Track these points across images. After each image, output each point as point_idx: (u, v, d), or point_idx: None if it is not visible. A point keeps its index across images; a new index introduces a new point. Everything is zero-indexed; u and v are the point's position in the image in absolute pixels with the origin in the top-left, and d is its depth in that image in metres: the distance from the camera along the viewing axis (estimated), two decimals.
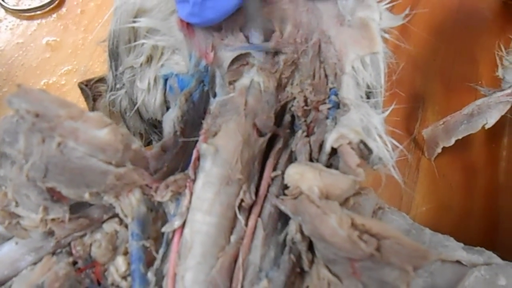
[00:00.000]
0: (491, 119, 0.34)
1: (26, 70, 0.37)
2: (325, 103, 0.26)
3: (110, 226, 0.24)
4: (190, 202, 0.23)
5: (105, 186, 0.21)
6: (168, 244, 0.22)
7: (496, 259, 0.28)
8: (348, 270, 0.21)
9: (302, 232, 0.23)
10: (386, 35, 0.25)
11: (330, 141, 0.24)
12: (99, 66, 0.38)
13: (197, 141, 0.24)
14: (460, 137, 0.36)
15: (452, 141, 0.36)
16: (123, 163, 0.21)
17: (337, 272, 0.22)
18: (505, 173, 0.42)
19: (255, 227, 0.23)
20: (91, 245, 0.24)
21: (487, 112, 0.34)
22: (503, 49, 0.36)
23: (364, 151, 0.25)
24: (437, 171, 0.40)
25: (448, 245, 0.27)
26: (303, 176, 0.23)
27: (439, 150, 0.38)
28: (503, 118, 0.39)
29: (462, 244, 0.29)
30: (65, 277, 0.21)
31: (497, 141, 0.43)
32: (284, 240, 0.23)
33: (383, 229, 0.20)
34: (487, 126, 0.35)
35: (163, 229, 0.22)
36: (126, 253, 0.23)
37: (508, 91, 0.34)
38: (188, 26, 0.25)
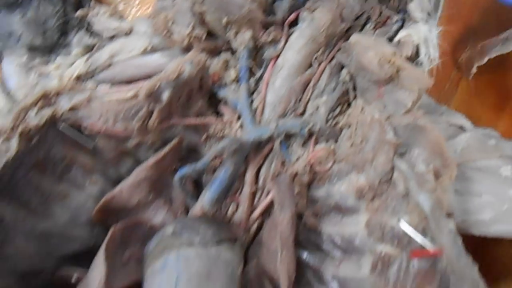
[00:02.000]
0: None
1: None
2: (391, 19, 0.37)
3: (225, 55, 0.37)
4: (284, 45, 0.36)
5: (238, 16, 0.34)
6: (266, 66, 0.36)
7: (495, 133, 0.37)
8: (375, 95, 0.33)
9: (351, 76, 0.35)
10: None
11: (400, 35, 0.35)
12: None
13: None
14: (492, 56, 0.44)
15: (485, 60, 0.44)
16: (253, 3, 0.34)
17: (368, 98, 0.34)
18: None
19: (324, 69, 0.35)
20: (209, 66, 0.37)
21: None
22: None
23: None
24: (474, 90, 0.49)
25: (458, 116, 0.37)
26: (359, 39, 0.34)
27: (474, 70, 0.46)
28: None
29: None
30: (204, 62, 0.34)
31: None
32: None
33: (402, 62, 0.31)
34: None
35: (264, 56, 0.35)
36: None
37: None
38: None
